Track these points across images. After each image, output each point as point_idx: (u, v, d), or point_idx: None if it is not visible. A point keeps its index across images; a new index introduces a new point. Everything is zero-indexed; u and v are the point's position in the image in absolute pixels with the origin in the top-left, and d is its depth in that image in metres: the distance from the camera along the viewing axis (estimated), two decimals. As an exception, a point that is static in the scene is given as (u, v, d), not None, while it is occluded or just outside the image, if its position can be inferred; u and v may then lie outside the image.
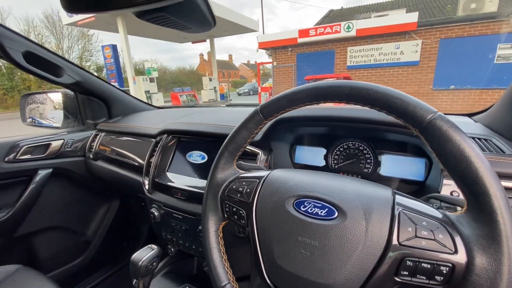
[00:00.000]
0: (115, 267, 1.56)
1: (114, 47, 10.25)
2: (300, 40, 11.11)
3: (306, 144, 0.88)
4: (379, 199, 0.38)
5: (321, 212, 0.39)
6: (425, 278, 0.33)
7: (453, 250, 0.32)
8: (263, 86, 13.35)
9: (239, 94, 26.67)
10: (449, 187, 0.58)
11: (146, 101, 1.76)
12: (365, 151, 0.79)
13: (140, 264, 0.67)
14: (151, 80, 10.83)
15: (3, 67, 17.42)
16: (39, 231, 1.28)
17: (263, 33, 15.37)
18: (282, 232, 0.41)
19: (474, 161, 0.31)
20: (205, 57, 47.82)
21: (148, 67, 11.39)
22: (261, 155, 0.79)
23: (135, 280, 0.70)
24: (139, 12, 0.52)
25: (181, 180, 0.90)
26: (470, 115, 0.90)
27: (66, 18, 9.71)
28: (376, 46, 10.04)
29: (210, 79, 13.73)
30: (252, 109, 0.50)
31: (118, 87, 1.50)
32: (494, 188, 0.30)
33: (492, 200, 0.30)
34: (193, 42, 14.11)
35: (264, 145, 0.81)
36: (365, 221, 0.36)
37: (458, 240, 0.32)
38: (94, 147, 1.31)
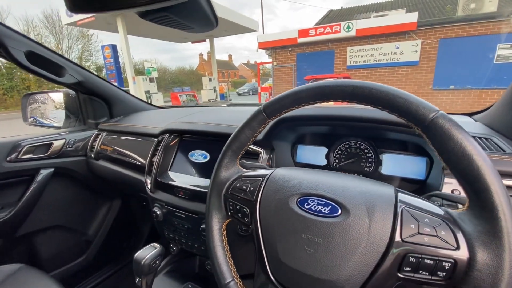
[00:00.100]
0: (116, 266, 1.56)
1: (113, 47, 10.24)
2: (300, 40, 11.12)
3: (308, 143, 0.89)
4: (381, 197, 0.39)
5: (325, 210, 0.40)
6: (427, 274, 0.33)
7: (455, 246, 0.32)
8: (263, 86, 13.35)
9: (239, 94, 26.68)
10: (450, 186, 0.58)
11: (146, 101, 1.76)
12: (366, 150, 0.79)
13: (143, 262, 0.67)
14: (151, 80, 10.82)
15: (2, 67, 17.40)
16: (41, 231, 1.29)
17: (263, 33, 15.38)
18: (286, 230, 0.42)
19: (475, 159, 0.32)
20: (205, 57, 47.83)
21: (148, 67, 11.37)
22: (263, 154, 0.80)
23: (138, 278, 0.71)
24: (142, 12, 0.52)
25: (183, 179, 0.91)
26: (470, 115, 0.90)
27: (66, 18, 9.69)
28: (376, 46, 10.05)
29: (210, 79, 13.71)
30: (252, 108, 0.51)
31: (119, 87, 1.50)
32: (495, 185, 0.31)
33: (493, 197, 0.31)
34: (193, 42, 14.10)
35: (266, 144, 0.82)
36: (368, 218, 0.37)
37: (460, 236, 0.33)
38: (95, 146, 1.31)
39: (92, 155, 1.31)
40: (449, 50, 8.96)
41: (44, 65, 1.09)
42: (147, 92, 10.38)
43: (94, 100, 1.38)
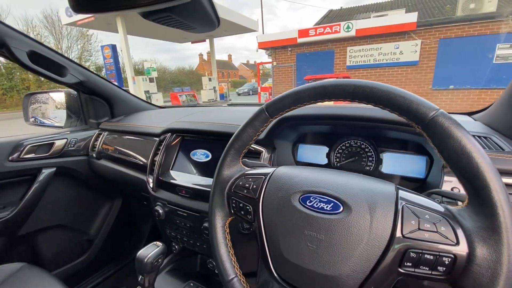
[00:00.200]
0: (117, 266, 1.57)
1: (113, 47, 10.23)
2: (299, 40, 11.13)
3: (309, 142, 0.89)
4: (383, 194, 0.39)
5: (327, 207, 0.40)
6: (428, 269, 0.34)
7: (455, 241, 0.33)
8: (263, 86, 13.36)
9: (239, 94, 26.69)
10: (450, 184, 0.59)
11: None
12: (366, 149, 0.80)
13: (145, 260, 0.68)
14: (151, 80, 10.82)
15: (2, 67, 17.39)
16: (43, 230, 1.29)
17: (263, 33, 15.39)
18: (289, 227, 0.42)
19: (475, 157, 0.33)
20: (205, 57, 47.84)
21: (148, 67, 11.37)
22: (265, 153, 0.81)
23: (140, 276, 0.71)
24: (145, 12, 0.53)
25: (185, 178, 0.92)
26: (470, 114, 0.91)
27: (66, 18, 9.69)
28: (376, 46, 10.07)
29: (210, 79, 13.71)
30: (253, 108, 0.51)
31: (120, 86, 1.51)
32: (494, 182, 0.32)
33: (492, 193, 0.31)
34: (192, 42, 14.10)
35: (268, 143, 0.82)
36: (369, 215, 0.38)
37: (459, 232, 0.33)
38: (97, 146, 1.32)
39: (94, 155, 1.32)
40: (449, 50, 8.98)
41: (46, 65, 1.10)
42: (146, 92, 10.39)
43: (96, 100, 1.38)
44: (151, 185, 0.97)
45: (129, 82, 9.99)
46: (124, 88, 1.62)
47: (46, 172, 1.22)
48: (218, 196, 0.53)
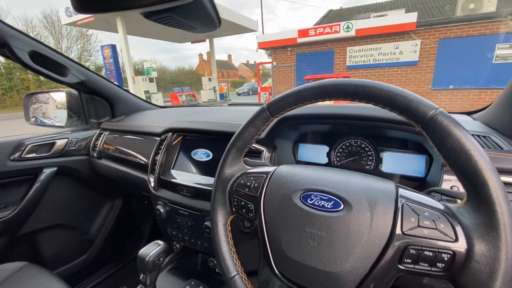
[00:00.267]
0: (118, 265, 1.58)
1: (113, 47, 10.23)
2: (299, 40, 11.14)
3: (309, 142, 0.90)
4: (383, 192, 0.40)
5: (328, 205, 0.41)
6: (427, 265, 0.35)
7: (454, 238, 0.34)
8: (263, 86, 13.37)
9: (239, 94, 26.68)
10: (449, 183, 0.60)
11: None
12: (367, 149, 0.80)
13: (147, 259, 0.68)
14: (151, 80, 10.82)
15: (1, 67, 17.39)
16: (44, 229, 1.30)
17: (263, 33, 15.39)
18: (290, 224, 0.43)
19: (474, 155, 0.33)
20: (205, 57, 47.83)
21: (148, 67, 11.37)
22: (266, 153, 0.81)
23: (142, 275, 0.72)
24: (147, 12, 0.53)
25: (186, 177, 0.92)
26: (469, 114, 0.92)
27: (65, 18, 9.69)
28: (375, 46, 10.08)
29: (210, 79, 13.72)
30: (253, 108, 0.52)
31: (120, 86, 1.51)
32: (492, 180, 0.32)
33: (490, 191, 0.32)
34: (192, 42, 14.10)
35: (269, 142, 0.83)
36: (370, 213, 0.38)
37: (458, 229, 0.34)
38: (98, 145, 1.32)
39: (95, 154, 1.32)
40: (448, 50, 8.99)
41: (48, 64, 1.10)
42: (146, 92, 10.39)
43: (96, 100, 1.39)
44: (152, 184, 0.97)
45: (129, 82, 10.00)
46: (124, 88, 1.63)
47: (47, 171, 1.22)
48: (219, 195, 0.54)
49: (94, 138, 1.37)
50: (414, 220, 0.36)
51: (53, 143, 1.24)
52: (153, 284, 0.73)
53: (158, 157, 0.98)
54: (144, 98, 1.69)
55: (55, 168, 1.25)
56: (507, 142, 0.63)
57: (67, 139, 1.29)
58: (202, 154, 0.93)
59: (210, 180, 0.87)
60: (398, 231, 0.36)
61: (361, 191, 0.41)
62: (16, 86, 17.56)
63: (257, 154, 0.82)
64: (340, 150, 0.84)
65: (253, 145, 0.80)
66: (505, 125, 0.69)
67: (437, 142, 0.36)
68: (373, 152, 0.80)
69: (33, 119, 1.49)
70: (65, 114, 1.47)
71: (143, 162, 1.09)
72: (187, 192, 0.88)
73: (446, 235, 0.34)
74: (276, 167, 0.51)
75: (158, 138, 1.04)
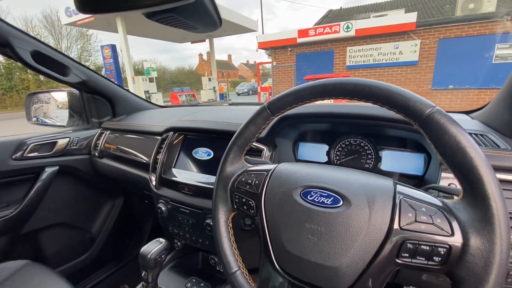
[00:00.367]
0: (119, 264, 1.58)
1: (113, 47, 10.22)
2: (299, 40, 11.15)
3: (309, 140, 0.91)
4: (381, 188, 0.41)
5: (327, 201, 0.42)
6: (424, 259, 0.36)
7: (450, 232, 0.34)
8: (263, 86, 13.38)
9: (239, 94, 26.68)
10: (447, 180, 0.61)
11: (146, 101, 1.78)
12: (366, 147, 0.81)
13: (149, 256, 0.69)
14: (151, 80, 10.82)
15: (1, 67, 17.39)
16: (46, 228, 1.31)
17: (263, 33, 15.40)
18: (290, 220, 0.44)
19: (469, 152, 0.34)
20: (204, 57, 47.83)
21: (147, 67, 11.36)
22: (266, 151, 0.82)
23: (144, 272, 0.72)
24: (149, 13, 0.54)
25: (187, 176, 0.93)
26: (467, 113, 0.93)
27: (65, 18, 9.69)
28: (375, 46, 10.09)
29: (209, 79, 13.72)
30: (254, 107, 0.53)
31: (122, 86, 1.52)
32: (488, 176, 0.33)
33: (485, 186, 0.33)
34: (192, 42, 14.10)
35: (269, 141, 0.84)
36: (368, 208, 0.39)
37: (454, 224, 0.35)
38: (99, 145, 1.33)
39: (96, 154, 1.33)
40: (448, 50, 9.00)
41: (49, 64, 1.11)
42: (146, 92, 10.39)
43: (98, 99, 1.40)
44: (153, 183, 0.98)
45: (129, 82, 10.00)
46: (125, 87, 1.64)
47: (48, 170, 1.23)
48: (221, 192, 0.55)
49: (95, 138, 1.38)
50: (411, 215, 0.37)
51: (55, 143, 1.25)
52: (154, 281, 0.74)
53: (160, 156, 0.99)
54: (144, 98, 1.70)
55: (57, 167, 1.26)
56: (504, 141, 0.64)
57: (68, 139, 1.30)
58: (203, 153, 0.94)
59: (211, 178, 0.88)
60: (396, 226, 0.37)
61: (360, 187, 0.42)
62: (16, 86, 17.55)
63: (257, 152, 0.83)
64: (340, 149, 0.85)
65: (253, 144, 0.80)
66: (502, 124, 0.70)
67: (434, 140, 0.37)
68: (372, 150, 0.80)
69: (35, 118, 1.50)
70: (66, 113, 1.47)
71: (144, 161, 1.09)
72: (188, 190, 0.89)
73: (443, 229, 0.35)
74: (276, 165, 0.52)
75: (160, 137, 1.05)
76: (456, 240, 0.34)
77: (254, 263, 0.79)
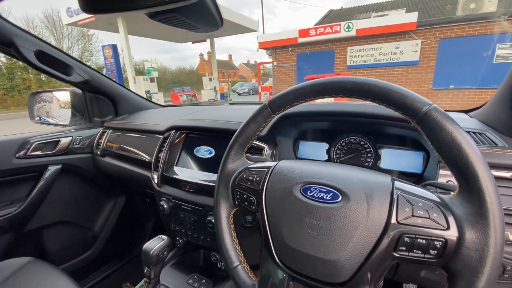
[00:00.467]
0: (121, 262, 1.60)
1: (114, 47, 10.24)
2: (300, 40, 11.14)
3: (309, 139, 0.92)
4: (379, 184, 0.42)
5: (326, 196, 0.43)
6: (421, 252, 0.37)
7: (446, 226, 0.35)
8: (263, 86, 13.38)
9: (239, 94, 26.68)
10: (445, 178, 0.61)
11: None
12: (365, 145, 0.82)
13: (151, 253, 0.70)
14: (151, 80, 10.84)
15: (3, 67, 17.44)
16: (49, 226, 1.32)
17: (263, 33, 15.41)
18: (290, 215, 0.45)
19: (465, 148, 0.35)
20: (205, 57, 47.83)
21: (148, 67, 11.39)
22: (267, 150, 0.83)
23: (146, 268, 0.74)
24: (152, 13, 0.55)
25: (189, 174, 0.94)
26: (466, 112, 0.93)
27: (67, 18, 9.72)
28: (376, 46, 10.08)
29: (210, 79, 13.74)
30: (255, 106, 0.54)
31: (124, 85, 1.54)
32: (483, 171, 0.34)
33: (480, 181, 0.34)
34: (193, 42, 14.11)
35: (270, 139, 0.85)
36: (366, 204, 0.40)
37: (450, 218, 0.36)
38: (101, 144, 1.34)
39: (98, 152, 1.34)
40: (449, 50, 8.98)
41: (53, 64, 1.13)
42: (147, 92, 10.41)
43: (100, 99, 1.41)
44: (156, 181, 0.99)
45: (130, 82, 10.02)
46: (126, 87, 1.65)
47: (52, 169, 1.24)
48: (223, 188, 0.56)
49: (97, 137, 1.39)
50: (408, 210, 0.38)
51: (58, 141, 1.27)
52: (157, 278, 0.75)
53: (162, 155, 1.00)
54: (146, 98, 1.71)
55: (60, 166, 1.27)
56: (502, 139, 0.65)
57: (71, 137, 1.31)
58: (204, 151, 0.95)
59: (213, 176, 0.89)
60: (393, 220, 0.38)
61: (359, 183, 0.43)
62: (17, 86, 17.60)
63: (258, 151, 0.84)
64: (340, 147, 0.86)
65: (254, 142, 0.82)
66: (500, 122, 0.71)
67: (430, 137, 0.38)
68: (372, 149, 0.81)
69: (37, 118, 1.51)
70: (68, 113, 1.49)
71: (146, 160, 1.11)
72: (190, 188, 0.90)
73: (439, 223, 0.36)
74: (277, 162, 0.53)
75: (161, 136, 1.06)
76: (452, 234, 0.35)
77: (255, 260, 0.80)
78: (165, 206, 0.96)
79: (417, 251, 0.37)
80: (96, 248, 1.51)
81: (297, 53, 11.69)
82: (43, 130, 1.32)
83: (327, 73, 10.20)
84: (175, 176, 0.95)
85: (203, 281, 0.97)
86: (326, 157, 0.88)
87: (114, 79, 1.45)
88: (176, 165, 1.00)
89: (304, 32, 11.01)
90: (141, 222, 1.72)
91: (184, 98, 12.25)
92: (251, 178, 0.52)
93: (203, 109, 1.27)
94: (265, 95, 12.11)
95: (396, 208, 0.38)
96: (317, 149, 0.89)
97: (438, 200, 0.38)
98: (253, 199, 0.50)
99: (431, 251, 0.36)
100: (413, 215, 0.37)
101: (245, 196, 0.52)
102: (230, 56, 60.22)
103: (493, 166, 0.58)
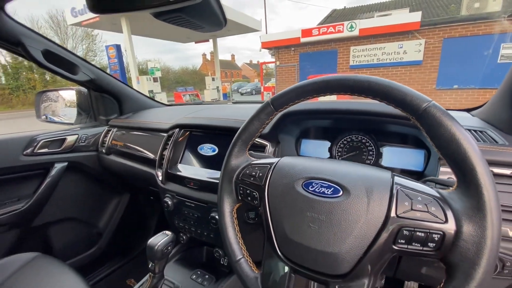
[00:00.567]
0: (125, 258, 1.62)
1: (118, 47, 10.32)
2: (303, 40, 11.13)
3: (311, 137, 0.93)
4: (379, 179, 0.43)
5: (328, 191, 0.44)
6: (419, 245, 0.37)
7: (444, 220, 0.36)
8: (266, 85, 13.39)
9: (242, 94, 26.70)
10: (445, 175, 0.62)
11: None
12: (367, 144, 0.83)
13: (156, 248, 0.71)
14: (155, 79, 10.91)
15: (8, 67, 17.63)
16: (55, 222, 1.34)
17: (266, 32, 15.39)
18: (292, 210, 0.46)
19: (463, 143, 0.36)
20: (208, 57, 47.93)
21: (152, 67, 11.45)
22: (269, 147, 0.84)
23: (151, 263, 0.75)
24: (157, 12, 0.56)
25: (193, 171, 0.95)
26: (468, 110, 0.94)
27: (71, 18, 9.81)
28: (379, 45, 10.03)
29: (213, 79, 13.79)
30: (257, 105, 0.55)
31: (128, 85, 1.56)
32: (480, 166, 0.35)
33: (478, 176, 0.35)
34: (196, 42, 14.16)
35: (272, 137, 0.86)
36: (366, 198, 0.41)
37: (449, 212, 0.37)
38: (106, 142, 1.36)
39: (103, 150, 1.36)
40: (453, 50, 8.92)
41: (60, 63, 1.15)
42: (150, 91, 10.47)
43: (105, 98, 1.43)
44: (160, 178, 1.01)
45: (133, 81, 10.09)
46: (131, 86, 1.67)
47: (58, 166, 1.27)
48: (226, 184, 0.57)
49: (102, 135, 1.41)
50: (407, 204, 0.39)
51: (64, 139, 1.29)
52: (161, 272, 0.77)
53: (166, 152, 1.01)
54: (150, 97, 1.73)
55: (66, 163, 1.29)
56: (503, 137, 0.66)
57: (77, 135, 1.33)
58: (208, 149, 0.97)
59: (216, 173, 0.90)
60: (392, 214, 0.39)
61: (359, 178, 0.44)
62: (22, 85, 17.78)
63: (261, 148, 0.85)
64: (342, 145, 0.87)
65: (257, 140, 0.83)
66: (501, 121, 0.71)
67: (430, 133, 0.39)
68: (373, 147, 0.82)
69: (44, 116, 1.53)
70: (74, 111, 1.51)
71: (150, 157, 1.12)
72: (193, 185, 0.92)
73: (437, 217, 0.37)
74: (279, 158, 0.54)
75: (166, 134, 1.07)
76: (450, 227, 0.36)
77: (257, 256, 0.81)
78: (169, 202, 0.98)
79: (416, 244, 0.38)
80: (100, 244, 1.53)
81: (300, 53, 11.67)
82: (49, 128, 1.34)
83: (330, 73, 10.17)
84: (179, 173, 0.96)
85: (206, 276, 0.99)
86: (328, 155, 0.88)
87: (118, 79, 1.47)
88: (180, 163, 1.01)
89: (307, 32, 11.00)
90: (145, 219, 1.74)
91: (187, 98, 12.29)
92: (254, 173, 0.53)
93: (206, 108, 1.29)
94: (268, 95, 12.12)
95: (396, 202, 0.39)
96: (319, 147, 0.90)
97: (437, 194, 0.39)
98: (256, 194, 0.52)
99: (429, 243, 0.37)
100: (412, 209, 0.38)
101: (248, 191, 0.53)
102: (232, 56, 60.31)
103: (494, 163, 0.59)
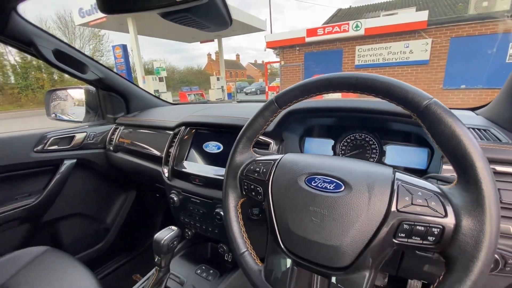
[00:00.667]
0: (132, 254, 1.65)
1: (124, 47, 10.43)
2: (308, 39, 11.10)
3: (315, 135, 0.94)
4: (381, 175, 0.44)
5: (330, 186, 0.45)
6: (419, 239, 0.38)
7: (444, 214, 0.37)
8: (271, 85, 13.40)
9: (246, 94, 26.73)
10: (448, 172, 0.63)
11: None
12: (371, 142, 0.84)
13: (162, 242, 0.73)
14: (160, 79, 11.01)
15: (18, 66, 17.96)
16: (64, 217, 1.38)
17: (271, 32, 15.40)
18: (295, 204, 0.47)
19: (463, 139, 0.37)
20: (213, 57, 48.10)
21: (157, 67, 11.55)
22: (273, 145, 0.85)
23: (157, 257, 0.77)
24: (164, 12, 0.58)
25: (198, 168, 0.97)
26: (473, 109, 0.94)
27: (79, 18, 9.95)
28: (385, 45, 9.95)
29: (218, 79, 13.84)
30: (262, 104, 0.57)
31: (135, 84, 1.59)
32: (480, 161, 0.36)
33: (477, 171, 0.35)
34: (201, 42, 14.22)
35: (276, 135, 0.87)
36: (368, 193, 0.42)
37: (448, 207, 0.37)
38: (114, 139, 1.39)
39: (111, 148, 1.39)
40: (460, 49, 8.80)
41: (69, 62, 1.18)
42: (156, 91, 10.56)
43: (113, 96, 1.46)
44: (166, 175, 1.03)
45: (139, 81, 10.19)
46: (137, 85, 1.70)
47: (67, 163, 1.30)
48: (231, 180, 0.59)
49: (110, 133, 1.44)
50: (408, 199, 0.40)
51: (73, 137, 1.32)
52: (167, 267, 0.79)
53: (172, 150, 1.03)
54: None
55: (75, 160, 1.32)
56: (506, 135, 0.66)
57: (85, 133, 1.37)
58: (213, 147, 0.99)
59: (221, 170, 0.92)
60: (393, 208, 0.40)
61: (361, 174, 0.45)
62: (31, 85, 18.10)
63: (265, 146, 0.86)
64: (345, 143, 0.88)
65: (261, 137, 0.84)
66: (505, 119, 0.71)
67: (431, 130, 0.40)
68: (376, 145, 0.83)
69: (53, 115, 1.57)
70: (82, 110, 1.55)
71: (157, 155, 1.15)
72: (199, 181, 0.94)
73: (437, 211, 0.38)
74: (283, 155, 0.55)
75: (172, 132, 1.09)
76: (449, 221, 0.37)
77: (261, 252, 0.83)
78: (175, 198, 1.00)
79: (416, 238, 0.39)
80: (108, 240, 1.56)
81: (305, 53, 11.65)
82: (59, 126, 1.38)
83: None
84: (184, 170, 0.98)
85: (211, 271, 1.01)
86: (331, 153, 0.89)
87: (125, 78, 1.50)
88: (185, 160, 1.03)
89: (312, 32, 10.97)
90: (151, 216, 1.77)
91: (192, 97, 12.37)
92: (258, 169, 0.54)
93: (212, 107, 1.31)
94: (272, 94, 12.08)
95: (396, 197, 0.40)
96: (323, 145, 0.91)
97: (437, 190, 0.40)
98: (260, 189, 0.53)
99: (429, 237, 0.38)
100: (412, 204, 0.39)
101: (252, 187, 0.55)
102: (237, 55, 60.40)
103: (497, 162, 0.59)
